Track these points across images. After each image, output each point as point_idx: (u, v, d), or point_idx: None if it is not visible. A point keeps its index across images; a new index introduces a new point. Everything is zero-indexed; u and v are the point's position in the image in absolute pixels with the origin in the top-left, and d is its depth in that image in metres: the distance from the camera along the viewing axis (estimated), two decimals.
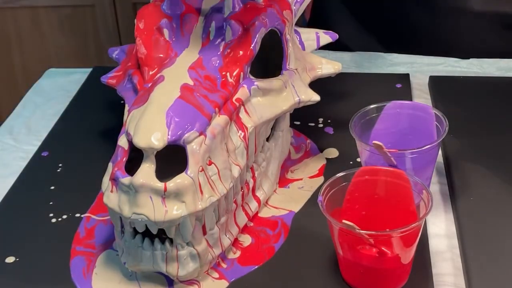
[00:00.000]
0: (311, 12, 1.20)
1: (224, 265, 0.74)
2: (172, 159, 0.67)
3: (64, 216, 0.82)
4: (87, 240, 0.78)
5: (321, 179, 0.85)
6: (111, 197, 0.67)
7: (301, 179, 0.86)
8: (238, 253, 0.75)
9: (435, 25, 1.14)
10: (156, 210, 0.65)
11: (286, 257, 0.75)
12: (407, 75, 1.07)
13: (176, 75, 0.73)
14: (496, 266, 0.71)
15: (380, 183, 0.72)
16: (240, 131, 0.73)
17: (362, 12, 1.18)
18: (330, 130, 0.95)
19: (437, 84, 1.04)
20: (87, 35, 1.87)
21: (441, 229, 0.79)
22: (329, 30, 0.90)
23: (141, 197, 0.65)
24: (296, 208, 0.81)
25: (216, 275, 0.73)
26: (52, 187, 0.87)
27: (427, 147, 0.76)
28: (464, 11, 1.12)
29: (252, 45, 0.75)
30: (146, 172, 0.65)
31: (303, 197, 0.83)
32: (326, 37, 0.88)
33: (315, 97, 0.81)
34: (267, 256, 0.75)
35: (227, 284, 0.72)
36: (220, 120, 0.70)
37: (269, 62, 0.82)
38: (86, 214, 0.82)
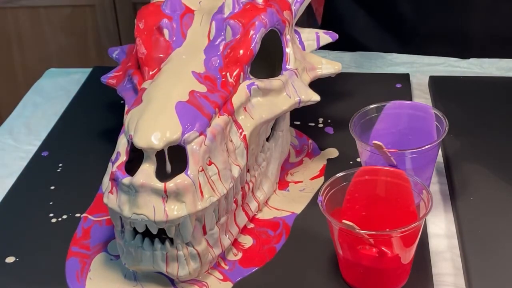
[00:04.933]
0: (323, 15, 1.20)
1: (226, 267, 0.74)
2: (172, 159, 0.67)
3: (64, 216, 0.82)
4: (82, 240, 0.78)
5: (322, 179, 0.85)
6: (111, 197, 0.67)
7: (302, 182, 0.86)
8: (240, 255, 0.75)
9: (436, 25, 1.14)
10: (156, 210, 0.65)
11: (286, 258, 0.75)
12: (407, 75, 1.07)
13: None
14: (496, 266, 0.71)
15: (380, 183, 0.72)
16: (240, 131, 0.73)
17: (375, 11, 1.17)
18: (330, 130, 0.95)
19: (437, 84, 1.04)
20: (87, 35, 1.87)
21: (441, 229, 0.79)
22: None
23: (141, 197, 0.65)
24: (298, 209, 0.81)
25: (220, 276, 0.73)
26: (52, 187, 0.87)
27: (427, 147, 0.76)
28: (464, 10, 1.12)
29: (252, 45, 0.75)
30: (146, 172, 0.65)
31: (305, 199, 0.83)
32: (326, 37, 0.88)
33: (315, 97, 0.81)
34: (268, 256, 0.75)
35: (231, 285, 0.72)
36: (220, 120, 0.70)
37: (269, 62, 0.82)
38: (84, 214, 0.82)
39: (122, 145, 0.69)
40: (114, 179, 0.67)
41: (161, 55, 0.76)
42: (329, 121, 0.96)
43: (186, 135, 0.66)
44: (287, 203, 0.82)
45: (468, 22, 1.13)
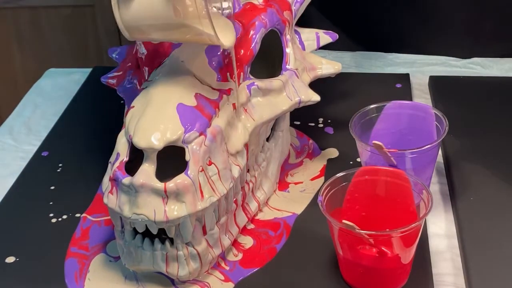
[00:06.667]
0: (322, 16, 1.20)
1: (226, 267, 0.74)
2: (172, 159, 0.67)
3: (64, 216, 0.82)
4: (81, 241, 0.78)
5: (322, 180, 0.85)
6: (111, 198, 0.67)
7: (302, 182, 0.86)
8: (240, 256, 0.75)
9: (436, 25, 1.14)
10: (156, 210, 0.65)
11: (287, 258, 0.75)
12: (407, 75, 1.07)
13: None
14: (496, 266, 0.71)
15: (380, 183, 0.72)
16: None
17: (375, 11, 1.17)
18: (330, 130, 0.95)
19: (437, 84, 1.04)
20: (87, 35, 1.87)
21: (441, 229, 0.79)
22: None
23: (141, 197, 0.65)
24: (299, 210, 0.81)
25: (221, 277, 0.73)
26: (52, 187, 0.87)
27: (427, 147, 0.76)
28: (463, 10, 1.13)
29: (252, 45, 0.75)
30: (146, 172, 0.65)
31: (305, 199, 0.83)
32: (326, 37, 0.88)
33: (315, 97, 0.81)
34: (268, 257, 0.75)
35: (233, 285, 0.72)
36: (220, 120, 0.70)
37: (269, 62, 0.82)
38: (83, 215, 0.82)
39: (121, 145, 0.69)
40: (114, 179, 0.67)
41: (161, 55, 0.76)
42: (329, 121, 0.96)
43: (186, 135, 0.66)
44: (287, 204, 0.82)
45: (468, 22, 1.13)
